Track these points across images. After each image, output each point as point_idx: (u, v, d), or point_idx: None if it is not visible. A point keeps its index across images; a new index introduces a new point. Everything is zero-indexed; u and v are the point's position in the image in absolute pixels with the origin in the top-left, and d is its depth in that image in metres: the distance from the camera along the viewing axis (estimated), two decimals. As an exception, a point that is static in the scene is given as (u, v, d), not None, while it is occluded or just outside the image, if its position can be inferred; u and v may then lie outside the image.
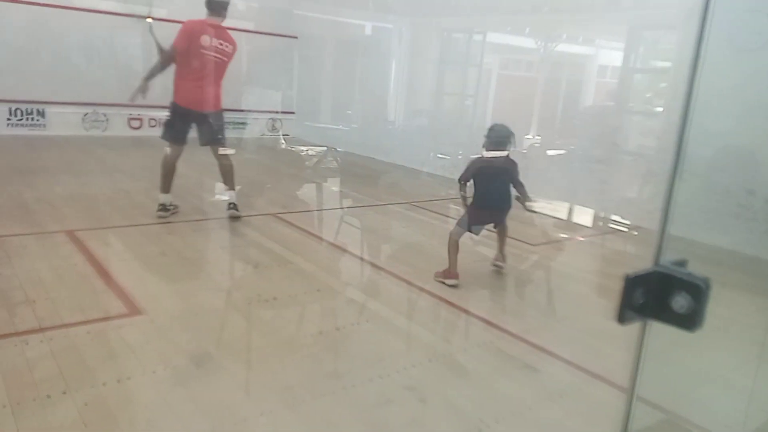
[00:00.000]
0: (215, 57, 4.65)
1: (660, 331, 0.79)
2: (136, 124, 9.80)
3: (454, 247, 3.85)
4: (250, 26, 10.63)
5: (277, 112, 11.30)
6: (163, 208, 4.73)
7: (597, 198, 6.27)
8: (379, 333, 3.02)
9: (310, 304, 3.34)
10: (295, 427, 2.14)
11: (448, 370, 2.69)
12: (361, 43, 11.25)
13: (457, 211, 6.33)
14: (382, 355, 2.76)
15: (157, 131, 9.96)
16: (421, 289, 3.65)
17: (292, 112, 11.52)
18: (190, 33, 4.56)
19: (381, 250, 4.63)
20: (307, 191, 6.90)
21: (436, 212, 5.91)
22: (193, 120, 4.79)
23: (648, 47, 7.15)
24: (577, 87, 11.75)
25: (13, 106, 8.64)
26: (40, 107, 8.83)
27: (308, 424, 2.16)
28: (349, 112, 11.58)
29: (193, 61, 4.59)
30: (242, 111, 10.85)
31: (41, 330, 2.68)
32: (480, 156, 4.07)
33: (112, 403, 2.18)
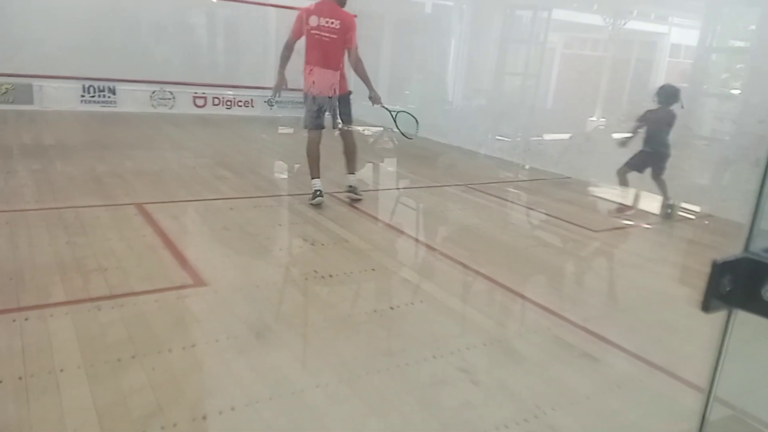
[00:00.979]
0: (327, 36, 4.67)
1: (745, 321, 0.74)
2: (200, 102, 10.11)
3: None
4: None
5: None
6: (320, 193, 4.78)
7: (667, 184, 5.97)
8: (434, 314, 3.02)
9: (365, 282, 3.37)
10: (350, 400, 2.18)
11: (503, 355, 2.66)
12: (421, 21, 11.09)
13: (516, 194, 6.20)
14: (436, 335, 2.76)
15: (220, 109, 10.33)
16: (477, 272, 3.61)
17: (350, 92, 11.54)
18: (301, 18, 4.65)
19: (436, 232, 4.60)
20: (363, 171, 6.93)
21: (493, 195, 5.81)
22: (322, 104, 4.88)
23: (726, 25, 6.71)
24: (647, 67, 11.20)
25: (87, 83, 9.09)
26: (111, 85, 9.24)
27: (362, 399, 2.19)
28: (407, 92, 11.50)
29: (310, 44, 4.68)
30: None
31: (112, 297, 2.83)
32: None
33: (177, 368, 2.28)
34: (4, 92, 8.57)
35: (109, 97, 9.30)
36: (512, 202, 5.79)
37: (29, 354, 2.26)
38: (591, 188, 6.67)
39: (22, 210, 4.04)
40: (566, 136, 7.79)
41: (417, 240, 4.31)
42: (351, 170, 5.10)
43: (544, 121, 8.27)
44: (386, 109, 5.02)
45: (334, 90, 4.87)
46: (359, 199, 4.99)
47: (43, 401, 1.99)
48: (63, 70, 8.77)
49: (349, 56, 4.86)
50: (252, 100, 10.56)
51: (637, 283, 3.79)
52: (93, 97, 9.21)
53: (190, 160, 6.34)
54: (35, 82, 8.72)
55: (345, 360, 2.46)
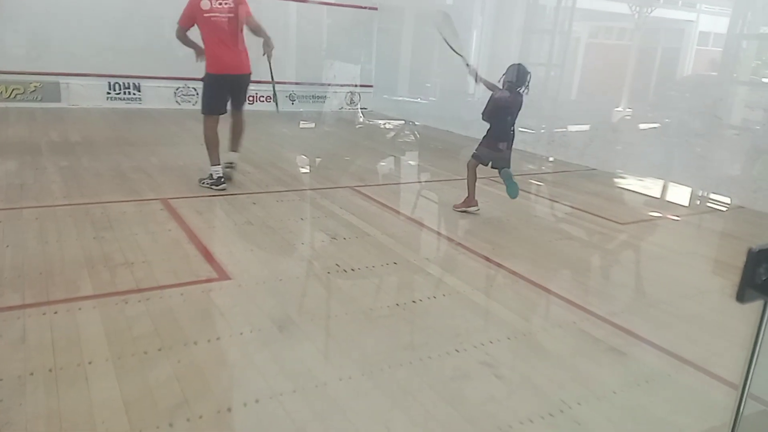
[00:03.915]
0: (223, 17, 4.66)
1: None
2: (222, 98, 10.17)
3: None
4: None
5: (355, 86, 11.36)
6: (223, 180, 4.85)
7: (694, 175, 5.84)
8: (456, 307, 2.99)
9: (387, 276, 3.36)
10: (373, 394, 2.18)
11: (527, 349, 2.63)
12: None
13: (539, 186, 6.12)
14: (459, 329, 2.74)
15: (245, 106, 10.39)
16: (500, 266, 3.58)
17: (371, 86, 11.53)
18: (192, 5, 4.65)
19: (458, 225, 4.57)
20: (385, 165, 6.91)
21: (516, 187, 5.73)
22: (225, 85, 4.84)
23: (758, 12, 6.51)
24: (674, 55, 10.93)
25: (112, 81, 9.24)
26: (137, 82, 9.37)
27: (385, 392, 2.18)
28: (428, 84, 11.43)
29: (208, 29, 4.67)
30: (321, 84, 11.00)
31: (139, 291, 2.87)
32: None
33: (202, 361, 2.31)
34: (32, 90, 8.76)
35: (134, 94, 9.44)
36: (536, 194, 5.71)
37: (58, 346, 2.31)
38: (617, 180, 6.55)
39: (50, 206, 4.13)
40: (591, 126, 7.66)
41: (439, 233, 4.28)
42: (234, 148, 5.19)
43: (568, 111, 8.14)
44: (271, 73, 4.95)
45: (241, 69, 4.85)
46: (230, 179, 5.02)
47: (72, 393, 2.03)
48: (89, 68, 8.92)
49: (248, 26, 4.81)
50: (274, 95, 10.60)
51: (666, 276, 3.71)
52: (119, 94, 9.35)
53: (213, 156, 6.39)
54: (62, 80, 8.89)
55: (368, 353, 2.45)
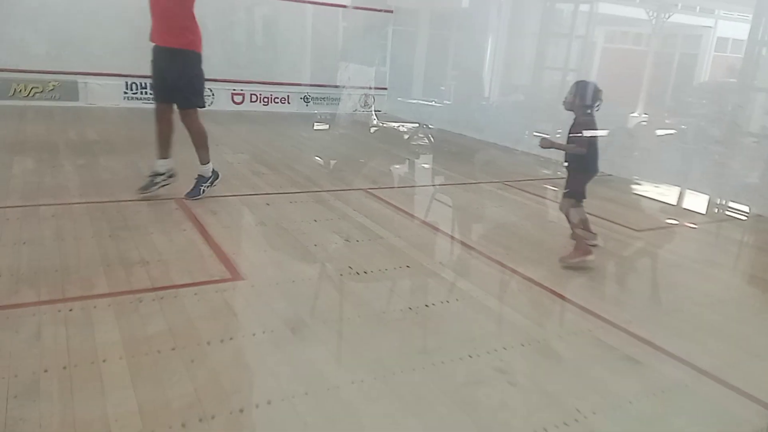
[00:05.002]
0: None
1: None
2: (238, 99, 10.25)
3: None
4: (347, 1, 10.71)
5: (369, 88, 11.37)
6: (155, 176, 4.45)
7: (712, 182, 5.75)
8: (470, 312, 2.97)
9: (400, 280, 3.34)
10: (385, 397, 2.16)
11: (541, 356, 2.60)
12: (457, 16, 10.99)
13: (555, 192, 6.08)
14: (472, 334, 2.71)
15: (257, 106, 10.45)
16: (514, 271, 3.55)
17: (385, 88, 11.53)
18: None
19: (472, 230, 4.55)
20: (399, 168, 6.90)
21: (530, 192, 5.71)
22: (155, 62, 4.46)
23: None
24: (691, 61, 10.82)
25: (129, 80, 9.32)
26: (154, 82, 9.44)
27: (397, 397, 2.17)
28: (443, 88, 11.41)
29: None
30: (336, 86, 11.03)
31: (153, 290, 2.88)
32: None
33: (215, 361, 2.31)
34: (51, 89, 8.86)
35: (151, 93, 9.50)
36: (551, 200, 5.67)
37: (73, 344, 2.32)
38: (633, 186, 6.48)
39: (67, 203, 4.17)
40: (607, 132, 7.60)
41: (452, 237, 4.26)
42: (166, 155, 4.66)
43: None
44: None
45: (162, 41, 4.35)
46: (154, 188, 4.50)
47: (86, 391, 2.04)
48: (107, 68, 9.02)
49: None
50: (288, 96, 10.66)
51: (683, 285, 3.65)
52: (135, 93, 9.44)
53: (228, 156, 6.42)
54: (80, 79, 9.00)
55: (380, 357, 2.44)
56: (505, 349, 2.58)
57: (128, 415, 1.92)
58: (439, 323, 2.83)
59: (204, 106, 4.63)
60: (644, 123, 5.58)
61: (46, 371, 2.13)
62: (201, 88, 4.59)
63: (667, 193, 6.08)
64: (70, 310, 2.60)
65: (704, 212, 5.48)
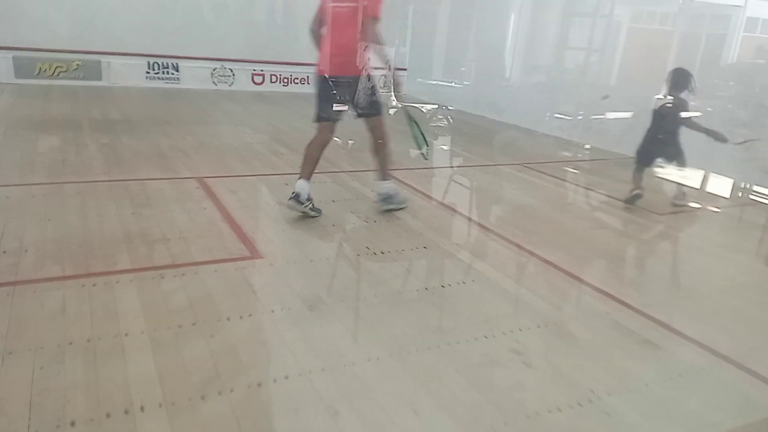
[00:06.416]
0: (337, 6, 3.89)
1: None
2: (258, 79, 10.27)
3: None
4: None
5: (389, 69, 11.27)
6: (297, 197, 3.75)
7: (738, 166, 5.62)
8: (486, 294, 2.97)
9: (417, 260, 3.36)
10: (400, 376, 2.19)
11: (558, 338, 2.60)
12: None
13: (575, 174, 6.01)
14: (488, 315, 2.72)
15: (277, 86, 10.45)
16: (532, 253, 3.53)
17: (404, 69, 11.43)
18: None
19: (490, 211, 4.52)
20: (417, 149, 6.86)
21: (550, 175, 5.65)
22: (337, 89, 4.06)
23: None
24: (719, 42, 10.52)
25: (151, 60, 9.39)
26: (175, 62, 9.51)
27: (412, 375, 2.19)
28: (463, 68, 11.27)
29: (326, 20, 3.95)
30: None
31: (174, 266, 2.94)
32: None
33: (234, 336, 2.35)
34: (75, 68, 8.97)
35: (172, 73, 9.58)
36: (571, 182, 5.61)
37: (96, 318, 2.39)
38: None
39: (91, 181, 4.25)
40: (631, 114, 7.45)
41: (470, 219, 4.25)
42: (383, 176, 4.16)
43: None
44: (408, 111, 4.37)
45: (342, 70, 4.06)
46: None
47: (109, 363, 2.10)
48: (130, 48, 9.09)
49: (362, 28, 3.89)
50: (308, 77, 10.62)
51: (704, 269, 3.61)
52: (157, 73, 9.50)
53: (248, 136, 6.46)
54: (103, 59, 9.08)
55: (396, 335, 2.46)
56: (521, 330, 2.59)
57: (149, 387, 1.98)
58: (455, 304, 2.84)
59: (316, 122, 4.26)
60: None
61: (70, 344, 2.19)
62: (317, 104, 4.24)
63: (691, 177, 5.96)
64: (94, 285, 2.67)
65: (728, 196, 5.37)
